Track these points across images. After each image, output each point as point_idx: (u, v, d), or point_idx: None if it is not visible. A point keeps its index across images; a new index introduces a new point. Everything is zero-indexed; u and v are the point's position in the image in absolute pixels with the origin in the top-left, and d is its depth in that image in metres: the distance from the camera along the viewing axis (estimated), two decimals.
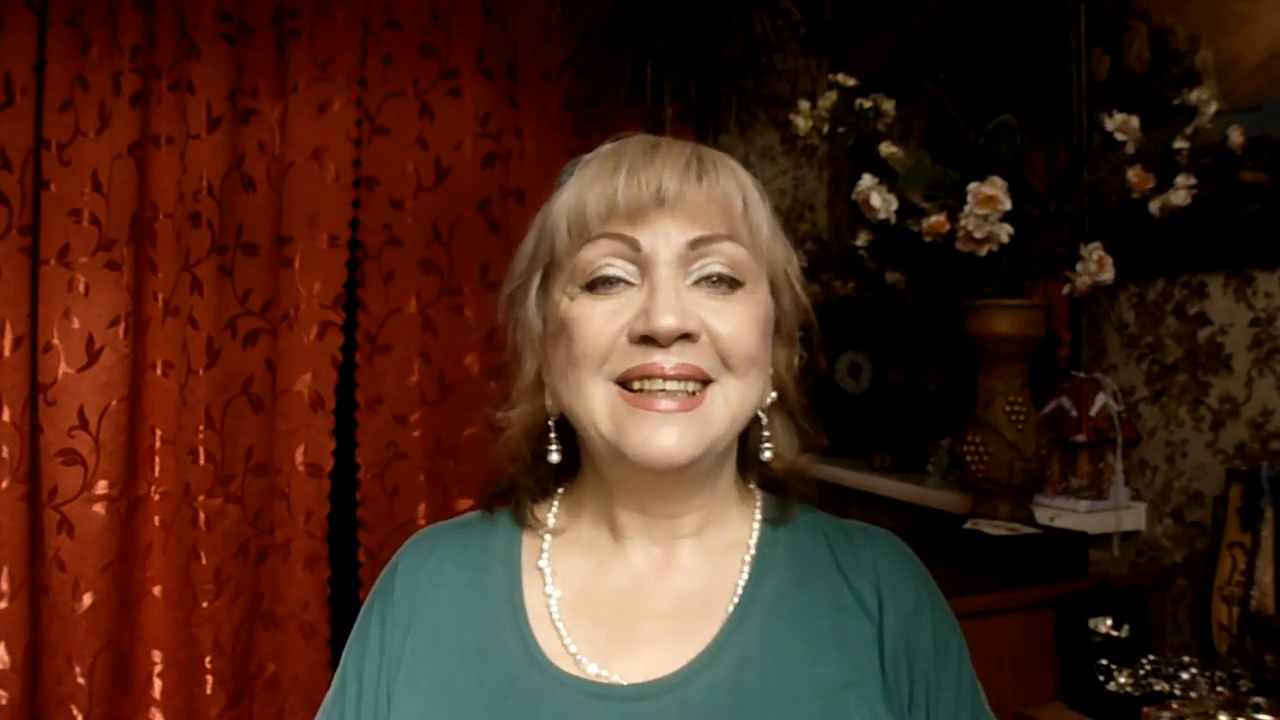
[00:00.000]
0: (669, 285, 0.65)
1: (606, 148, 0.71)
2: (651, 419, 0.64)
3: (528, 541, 0.77)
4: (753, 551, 0.73)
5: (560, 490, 0.79)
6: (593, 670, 0.68)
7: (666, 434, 0.64)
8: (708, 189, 0.67)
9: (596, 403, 0.66)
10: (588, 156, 0.72)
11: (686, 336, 0.65)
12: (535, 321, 0.73)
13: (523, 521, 0.77)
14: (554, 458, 0.73)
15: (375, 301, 2.22)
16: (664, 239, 0.66)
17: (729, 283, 0.67)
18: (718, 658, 0.67)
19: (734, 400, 0.67)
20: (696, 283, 0.67)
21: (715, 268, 0.67)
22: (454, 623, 0.72)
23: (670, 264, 0.66)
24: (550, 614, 0.71)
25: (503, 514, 0.79)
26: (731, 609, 0.70)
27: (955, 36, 2.06)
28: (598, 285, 0.67)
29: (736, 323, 0.67)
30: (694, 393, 0.65)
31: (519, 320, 0.74)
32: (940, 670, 0.69)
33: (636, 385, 0.65)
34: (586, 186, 0.68)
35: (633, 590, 0.72)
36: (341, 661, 0.76)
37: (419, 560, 0.77)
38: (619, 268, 0.67)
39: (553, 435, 0.73)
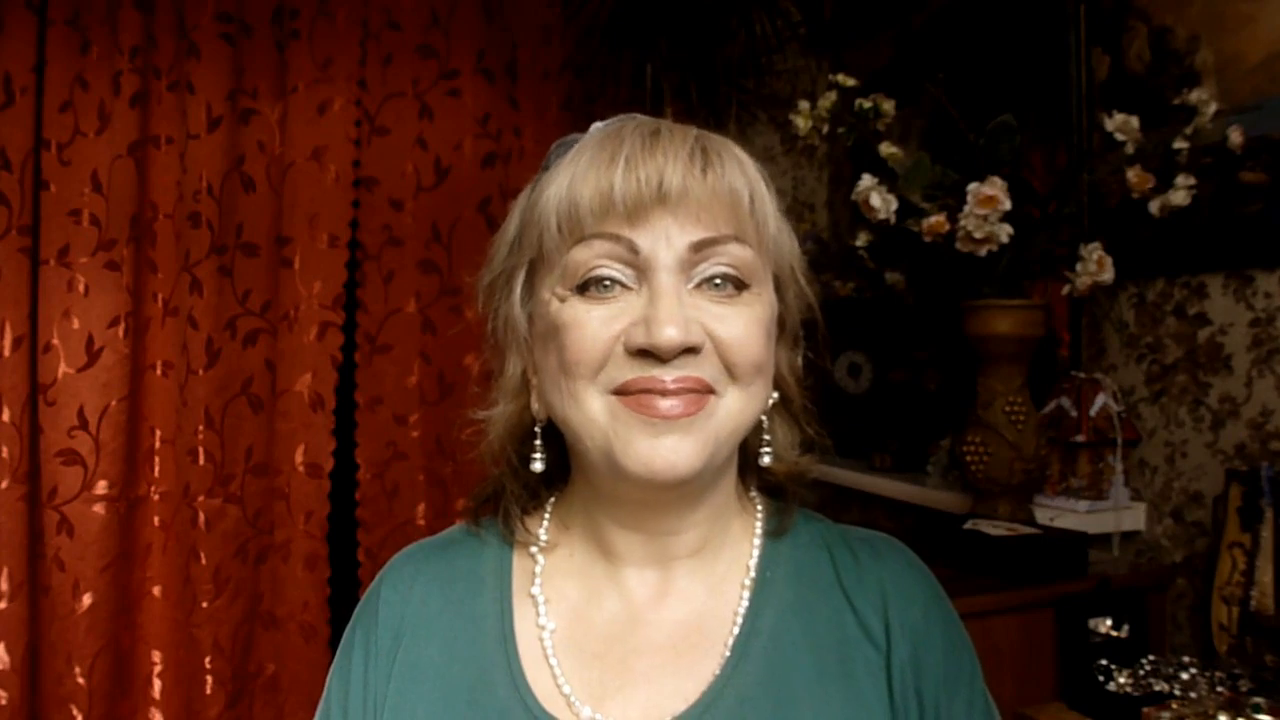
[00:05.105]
0: (670, 294, 0.60)
1: (601, 131, 0.65)
2: (654, 425, 0.60)
3: (518, 563, 0.73)
4: (753, 575, 0.69)
5: (552, 499, 0.75)
6: (586, 715, 0.65)
7: (670, 444, 0.60)
8: (713, 184, 0.61)
9: (594, 414, 0.62)
10: (580, 138, 0.67)
11: (689, 349, 0.60)
12: (520, 319, 0.68)
13: (512, 538, 0.73)
14: (537, 466, 0.69)
15: (375, 302, 2.22)
16: (665, 241, 0.61)
17: (734, 284, 0.63)
18: (716, 701, 0.64)
19: (735, 412, 0.63)
20: (699, 285, 0.62)
21: (720, 270, 0.62)
22: (441, 660, 0.69)
23: (671, 269, 0.61)
24: (544, 648, 0.68)
25: (490, 529, 0.75)
26: (731, 642, 0.67)
27: (955, 36, 2.06)
28: (590, 287, 0.62)
29: (743, 329, 0.62)
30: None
31: (501, 315, 0.70)
32: (951, 697, 0.66)
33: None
34: (579, 178, 0.61)
35: (627, 619, 0.68)
36: (325, 693, 0.73)
37: (404, 587, 0.73)
38: (615, 270, 0.62)
39: (538, 443, 0.69)
